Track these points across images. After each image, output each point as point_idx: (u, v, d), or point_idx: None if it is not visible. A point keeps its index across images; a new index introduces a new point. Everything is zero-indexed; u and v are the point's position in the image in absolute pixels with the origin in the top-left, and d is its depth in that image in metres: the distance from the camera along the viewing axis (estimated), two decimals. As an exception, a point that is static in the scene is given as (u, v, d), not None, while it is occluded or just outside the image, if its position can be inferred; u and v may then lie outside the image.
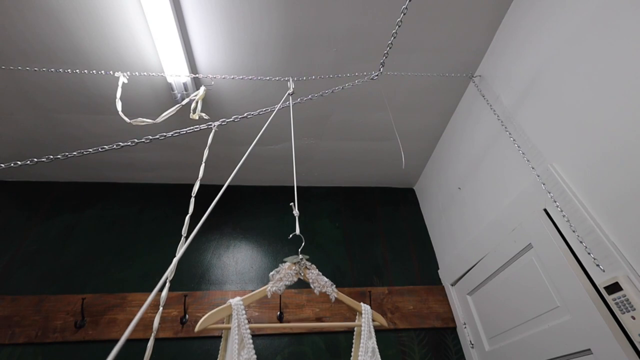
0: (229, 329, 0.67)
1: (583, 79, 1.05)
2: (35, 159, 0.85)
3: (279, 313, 1.68)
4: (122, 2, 1.28)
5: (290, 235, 0.84)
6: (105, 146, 0.89)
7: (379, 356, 0.81)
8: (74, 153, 0.86)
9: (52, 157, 0.85)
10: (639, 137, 0.87)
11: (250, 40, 1.45)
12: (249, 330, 0.68)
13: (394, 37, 0.96)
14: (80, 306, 1.60)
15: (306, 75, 1.38)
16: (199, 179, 0.83)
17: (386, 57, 1.05)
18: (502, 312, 1.40)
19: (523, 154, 1.22)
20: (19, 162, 0.82)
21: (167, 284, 0.65)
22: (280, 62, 1.54)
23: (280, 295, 1.71)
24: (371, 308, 1.75)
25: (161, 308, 0.64)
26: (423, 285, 1.94)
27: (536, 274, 1.20)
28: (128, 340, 1.55)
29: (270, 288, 0.79)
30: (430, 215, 2.20)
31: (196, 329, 0.66)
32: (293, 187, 1.01)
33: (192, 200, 0.77)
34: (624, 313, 0.88)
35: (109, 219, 2.04)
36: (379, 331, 0.87)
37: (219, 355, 0.68)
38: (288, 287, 1.81)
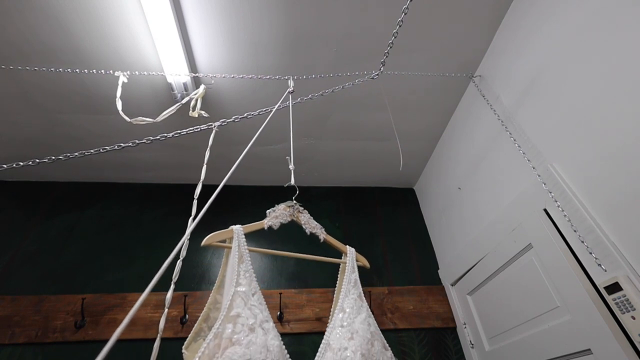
0: (230, 247, 0.78)
1: (583, 79, 1.05)
2: (37, 160, 0.85)
3: (279, 313, 1.68)
4: (122, 2, 1.28)
5: (285, 185, 0.94)
6: (106, 147, 0.89)
7: (359, 285, 0.94)
8: (76, 154, 0.86)
9: (53, 157, 0.85)
10: (639, 137, 0.88)
11: (250, 40, 1.45)
12: (247, 250, 0.79)
13: (395, 37, 0.96)
14: (80, 306, 1.60)
15: (306, 75, 1.38)
16: (201, 181, 0.83)
17: (387, 57, 1.05)
18: (502, 312, 1.41)
19: (523, 153, 1.23)
20: (21, 163, 0.82)
21: (172, 286, 0.65)
22: (280, 62, 1.54)
23: (280, 295, 1.72)
24: (370, 308, 1.75)
25: (166, 310, 0.64)
26: (423, 285, 1.94)
27: (536, 274, 1.20)
28: (129, 341, 1.55)
29: (267, 222, 0.91)
30: (430, 215, 2.20)
31: (202, 243, 0.76)
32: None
33: (195, 202, 0.77)
34: (624, 313, 0.88)
35: (109, 219, 2.04)
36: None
37: (220, 270, 0.78)
38: (288, 287, 1.82)
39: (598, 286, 0.97)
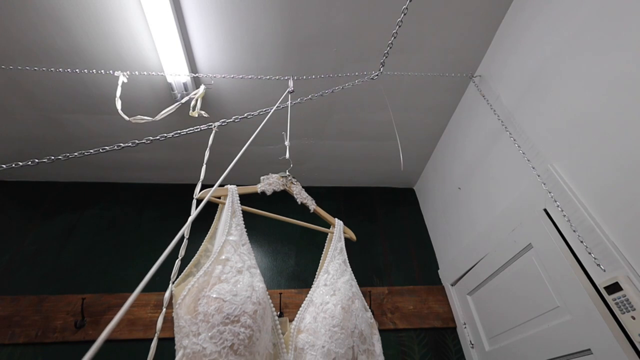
0: (224, 203, 0.82)
1: (584, 79, 1.05)
2: (37, 160, 0.85)
3: (279, 313, 1.68)
4: (122, 2, 1.28)
5: (280, 158, 0.98)
6: (106, 147, 0.89)
7: (345, 253, 0.99)
8: (75, 154, 0.86)
9: (53, 157, 0.85)
10: (638, 137, 0.88)
11: (250, 40, 1.45)
12: (240, 206, 0.84)
13: (395, 37, 0.96)
14: (80, 306, 1.60)
15: (306, 75, 1.38)
16: (201, 180, 0.83)
17: (386, 57, 1.05)
18: (502, 312, 1.41)
19: (523, 153, 1.22)
20: (20, 163, 0.82)
21: (171, 285, 0.66)
22: (280, 62, 1.53)
23: (280, 295, 1.72)
24: (370, 308, 1.75)
25: (164, 309, 0.64)
26: (423, 285, 1.94)
27: (536, 274, 1.20)
28: (129, 341, 1.54)
29: (260, 187, 0.96)
30: (430, 215, 2.20)
31: (197, 196, 0.78)
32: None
33: (194, 202, 0.77)
34: (624, 313, 0.88)
35: (109, 219, 2.04)
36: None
37: (213, 223, 0.80)
38: (288, 287, 1.82)
39: (598, 286, 0.97)
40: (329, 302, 0.78)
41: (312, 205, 1.06)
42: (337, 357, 0.71)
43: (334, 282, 0.85)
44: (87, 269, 1.81)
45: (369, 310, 0.87)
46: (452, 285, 1.85)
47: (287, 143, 1.01)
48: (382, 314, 1.77)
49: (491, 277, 1.48)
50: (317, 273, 0.91)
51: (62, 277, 1.76)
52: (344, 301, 0.79)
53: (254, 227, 2.09)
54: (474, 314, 1.62)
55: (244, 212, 0.86)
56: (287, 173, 1.03)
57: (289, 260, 1.96)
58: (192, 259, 0.71)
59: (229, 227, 0.77)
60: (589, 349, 0.99)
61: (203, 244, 0.75)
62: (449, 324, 1.78)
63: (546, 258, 1.16)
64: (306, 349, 0.72)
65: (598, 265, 0.95)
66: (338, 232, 1.04)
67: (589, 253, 0.97)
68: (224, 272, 0.65)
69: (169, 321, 1.61)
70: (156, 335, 0.59)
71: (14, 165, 0.81)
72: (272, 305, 0.73)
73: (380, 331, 0.86)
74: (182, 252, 0.70)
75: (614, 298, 0.90)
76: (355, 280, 0.91)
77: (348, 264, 0.96)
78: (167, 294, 0.64)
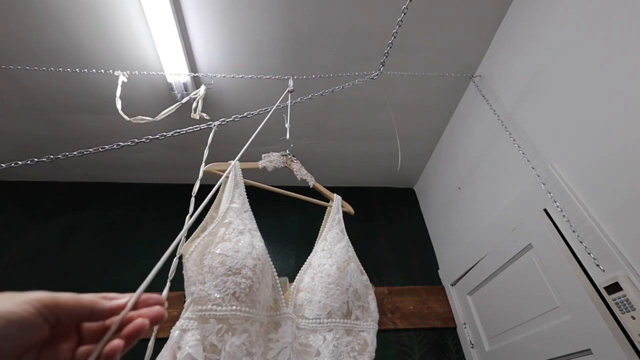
0: (228, 176, 0.88)
1: (583, 79, 1.05)
2: (36, 159, 0.85)
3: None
4: (122, 2, 1.28)
5: (281, 139, 1.03)
6: (105, 146, 0.89)
7: (342, 223, 1.04)
8: (75, 153, 0.86)
9: (52, 157, 0.85)
10: (639, 137, 0.88)
11: (251, 40, 1.45)
12: (242, 178, 0.90)
13: (395, 37, 0.96)
14: (80, 306, 1.60)
15: (306, 75, 1.38)
16: (199, 178, 0.83)
17: (386, 57, 1.05)
18: (502, 312, 1.40)
19: (523, 154, 1.22)
20: (20, 162, 0.82)
21: (168, 283, 0.66)
22: (281, 62, 1.53)
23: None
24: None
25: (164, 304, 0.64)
26: (423, 285, 1.94)
27: (536, 274, 1.20)
28: (128, 340, 1.50)
29: (261, 163, 1.01)
30: (430, 215, 2.20)
31: (204, 169, 0.86)
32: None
33: (193, 200, 0.77)
34: (624, 313, 0.88)
35: (109, 219, 2.04)
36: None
37: (218, 194, 0.84)
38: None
39: (598, 286, 0.97)
40: (325, 264, 0.85)
41: (311, 181, 1.10)
42: (333, 310, 0.78)
43: (330, 247, 0.91)
44: (87, 269, 1.81)
45: (365, 274, 0.92)
46: (452, 285, 1.85)
47: (287, 125, 1.06)
48: (382, 314, 1.77)
49: (491, 277, 1.48)
50: (315, 242, 0.96)
51: (62, 277, 1.76)
52: (339, 262, 0.85)
53: (254, 227, 2.09)
54: (474, 314, 1.62)
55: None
56: (287, 152, 1.08)
57: (289, 260, 1.95)
58: (199, 226, 0.75)
59: (232, 196, 0.83)
60: (589, 349, 0.99)
61: (209, 212, 0.80)
62: (449, 324, 1.78)
63: (546, 258, 1.16)
64: (304, 305, 0.79)
65: (597, 265, 0.95)
66: (336, 205, 1.09)
67: (588, 253, 0.97)
68: (226, 233, 0.71)
69: (168, 321, 1.62)
70: (154, 334, 0.59)
71: (13, 164, 0.81)
72: (271, 263, 0.78)
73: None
74: (179, 250, 0.70)
75: (614, 298, 0.90)
76: (352, 247, 0.96)
77: (345, 234, 1.01)
78: (164, 292, 0.64)
